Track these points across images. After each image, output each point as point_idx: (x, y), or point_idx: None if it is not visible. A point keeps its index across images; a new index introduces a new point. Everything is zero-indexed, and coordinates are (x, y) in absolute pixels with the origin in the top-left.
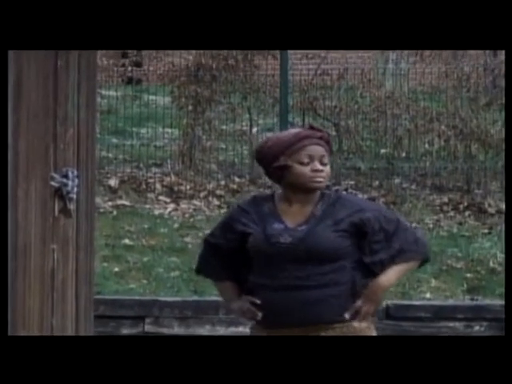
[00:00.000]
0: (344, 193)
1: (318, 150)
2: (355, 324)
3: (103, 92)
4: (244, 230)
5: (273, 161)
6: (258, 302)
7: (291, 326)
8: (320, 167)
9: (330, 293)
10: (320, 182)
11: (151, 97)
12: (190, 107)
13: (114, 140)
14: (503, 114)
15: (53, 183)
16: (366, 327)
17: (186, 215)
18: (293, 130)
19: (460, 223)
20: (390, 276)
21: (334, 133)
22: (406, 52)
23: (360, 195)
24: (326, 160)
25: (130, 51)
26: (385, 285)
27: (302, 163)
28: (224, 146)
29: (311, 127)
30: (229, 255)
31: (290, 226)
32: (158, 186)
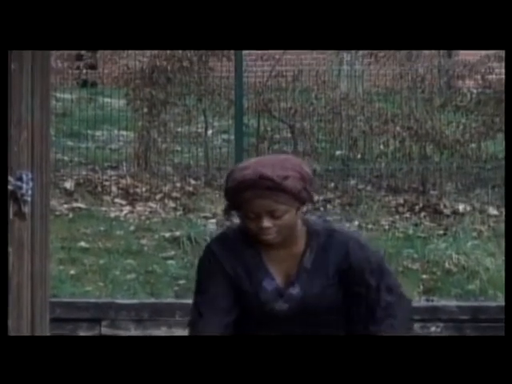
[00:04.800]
0: (334, 226)
1: (265, 205)
2: None
3: (58, 95)
4: (229, 283)
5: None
6: None
7: None
8: (266, 224)
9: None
10: (269, 238)
11: (106, 99)
12: (145, 110)
13: (70, 143)
14: (458, 115)
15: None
16: None
17: (142, 217)
18: (241, 173)
19: (416, 224)
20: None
21: (289, 134)
22: (360, 53)
23: (316, 197)
24: (279, 212)
25: (84, 54)
26: None
27: (248, 217)
28: (179, 149)
29: (261, 178)
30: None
31: (281, 286)
32: (113, 188)
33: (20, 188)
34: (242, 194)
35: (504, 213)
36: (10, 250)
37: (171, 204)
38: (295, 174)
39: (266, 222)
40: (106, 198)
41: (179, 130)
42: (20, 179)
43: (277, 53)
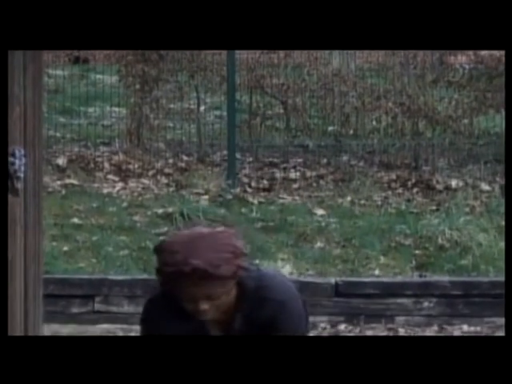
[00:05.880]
0: (265, 287)
1: (200, 291)
2: None
3: (50, 71)
4: None
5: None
6: None
7: None
8: (203, 307)
9: None
10: (207, 318)
11: (98, 76)
12: (138, 86)
13: (62, 119)
14: (450, 90)
15: None
16: None
17: (135, 194)
18: (171, 258)
19: (408, 200)
20: None
21: (281, 110)
22: None
23: (309, 173)
24: (216, 295)
25: None
26: None
27: (183, 299)
28: (172, 125)
29: (193, 270)
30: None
31: None
32: (106, 164)
33: (13, 164)
34: (175, 281)
35: (496, 189)
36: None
37: (164, 180)
38: (228, 255)
39: (203, 305)
40: (99, 174)
41: (171, 106)
42: (13, 155)
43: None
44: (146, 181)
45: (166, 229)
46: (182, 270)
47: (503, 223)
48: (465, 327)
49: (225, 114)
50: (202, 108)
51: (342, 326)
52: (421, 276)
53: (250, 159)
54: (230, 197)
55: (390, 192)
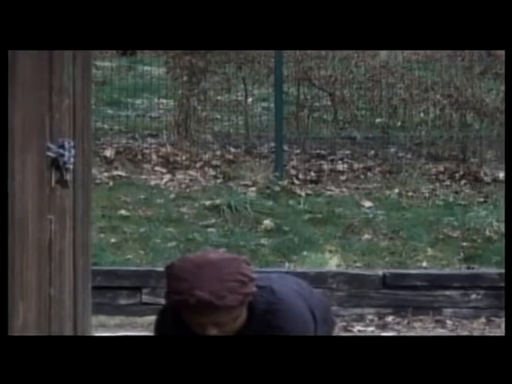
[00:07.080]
0: (275, 312)
1: (208, 320)
2: None
3: (98, 63)
4: None
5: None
6: None
7: None
8: (212, 333)
9: None
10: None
11: (146, 68)
12: (185, 78)
13: (110, 111)
14: (498, 82)
15: (49, 154)
16: None
17: (182, 185)
18: (177, 286)
19: (456, 192)
20: None
21: (329, 102)
22: None
23: (356, 165)
24: (224, 322)
25: None
26: None
27: (192, 324)
28: (219, 117)
29: (198, 302)
30: None
31: None
32: (153, 156)
33: (62, 156)
34: (182, 309)
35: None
36: (51, 217)
37: (211, 172)
38: (234, 284)
39: (211, 331)
40: (146, 166)
41: (219, 98)
42: (62, 147)
43: None
44: (193, 173)
45: (213, 220)
46: (187, 301)
47: None
48: None
49: (272, 105)
50: (250, 100)
51: (390, 318)
52: (468, 268)
53: (298, 151)
54: (277, 189)
55: (437, 184)
